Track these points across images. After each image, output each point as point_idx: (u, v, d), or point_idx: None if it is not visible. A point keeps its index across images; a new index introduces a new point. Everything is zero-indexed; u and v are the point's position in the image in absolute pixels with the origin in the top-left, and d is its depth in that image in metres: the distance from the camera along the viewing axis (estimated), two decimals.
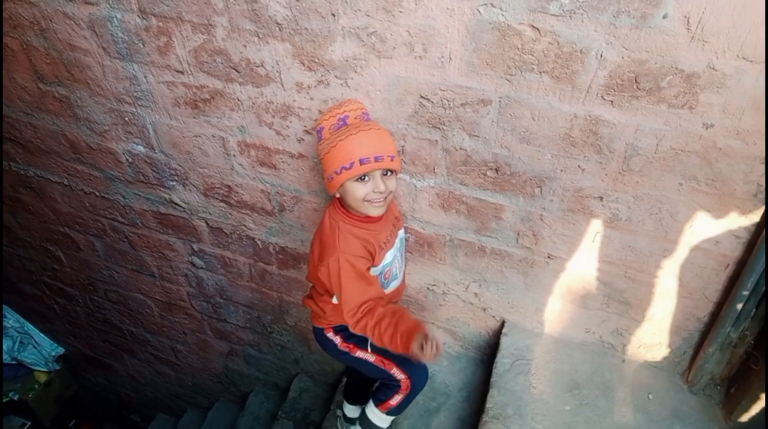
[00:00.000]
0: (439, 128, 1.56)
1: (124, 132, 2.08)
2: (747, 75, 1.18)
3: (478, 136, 1.53)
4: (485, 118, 1.48)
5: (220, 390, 3.61)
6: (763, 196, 1.34)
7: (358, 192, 1.45)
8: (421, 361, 1.47)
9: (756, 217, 1.39)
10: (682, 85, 1.24)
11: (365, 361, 1.76)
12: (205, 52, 1.67)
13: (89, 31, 1.78)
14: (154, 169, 2.17)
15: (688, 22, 1.15)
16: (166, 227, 2.45)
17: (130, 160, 2.18)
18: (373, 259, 1.58)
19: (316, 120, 1.66)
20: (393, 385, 1.78)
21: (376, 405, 1.83)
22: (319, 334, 1.78)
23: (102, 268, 2.96)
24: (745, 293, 1.47)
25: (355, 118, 1.49)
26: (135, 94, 1.91)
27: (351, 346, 1.75)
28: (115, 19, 1.70)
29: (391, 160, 1.45)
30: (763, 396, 1.56)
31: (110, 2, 1.67)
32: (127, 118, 2.01)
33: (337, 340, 1.76)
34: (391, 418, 1.86)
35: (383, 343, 1.52)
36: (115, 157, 2.21)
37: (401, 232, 1.76)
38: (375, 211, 1.50)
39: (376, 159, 1.42)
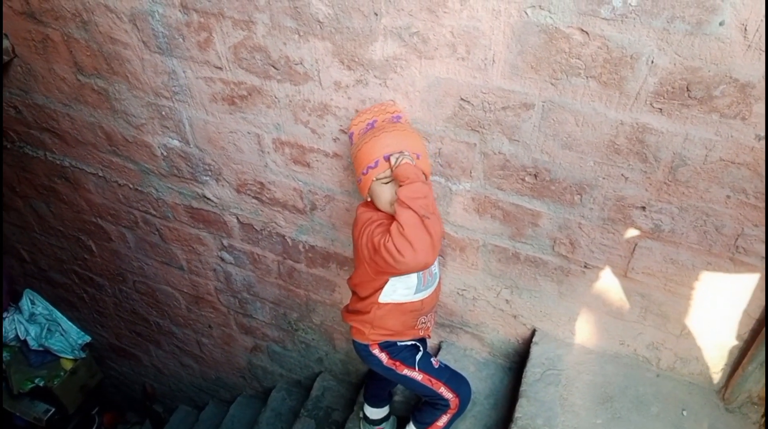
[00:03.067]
0: (478, 131, 1.53)
1: (160, 126, 2.09)
2: None
3: (518, 141, 1.50)
4: (527, 122, 1.45)
5: (242, 385, 3.62)
6: None
7: (384, 194, 1.45)
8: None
9: None
10: (735, 95, 1.20)
11: (412, 379, 1.74)
12: (245, 48, 1.67)
13: (130, 24, 1.79)
14: (189, 163, 2.18)
15: (746, 30, 1.11)
16: (197, 221, 2.46)
17: (165, 153, 2.20)
18: None
19: (350, 122, 1.65)
20: (441, 405, 1.77)
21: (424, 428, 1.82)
22: (363, 349, 1.74)
23: (132, 260, 2.99)
24: None
25: (383, 122, 1.49)
26: (173, 88, 1.91)
27: (397, 363, 1.73)
28: (156, 14, 1.71)
29: (417, 157, 1.43)
30: None
31: None
32: (163, 113, 2.02)
33: (383, 357, 1.72)
34: None
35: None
36: (151, 151, 2.22)
37: None
38: None
39: (401, 154, 1.40)
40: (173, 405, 4.29)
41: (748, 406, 1.72)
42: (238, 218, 2.32)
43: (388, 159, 1.40)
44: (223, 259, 2.61)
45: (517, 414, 1.77)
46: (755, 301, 1.54)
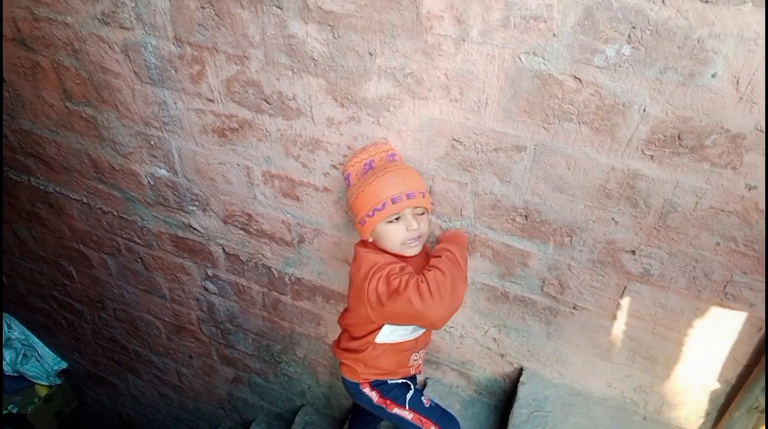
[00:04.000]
0: (469, 171, 1.53)
1: (148, 155, 2.07)
2: None
3: (509, 182, 1.50)
4: (518, 164, 1.45)
5: (222, 416, 3.54)
6: None
7: (392, 235, 1.41)
8: None
9: None
10: (726, 145, 1.21)
11: (402, 419, 1.70)
12: (238, 82, 1.66)
13: (122, 55, 1.78)
14: (176, 193, 2.16)
15: (738, 82, 1.12)
16: (182, 251, 2.43)
17: (152, 182, 2.17)
18: None
19: (342, 164, 1.65)
20: None
21: None
22: (353, 388, 1.70)
23: (113, 287, 2.93)
24: None
25: (380, 161, 1.48)
26: (163, 119, 1.90)
27: (388, 402, 1.69)
28: (149, 45, 1.70)
29: (423, 196, 1.43)
30: None
31: (146, 29, 1.67)
32: (152, 142, 2.01)
33: (374, 395, 1.69)
34: None
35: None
36: (137, 179, 2.19)
37: None
38: (411, 252, 1.46)
39: (408, 196, 1.39)
40: None
41: None
42: (224, 249, 2.29)
43: (395, 201, 1.37)
44: (206, 289, 2.57)
45: None
46: (743, 346, 1.54)
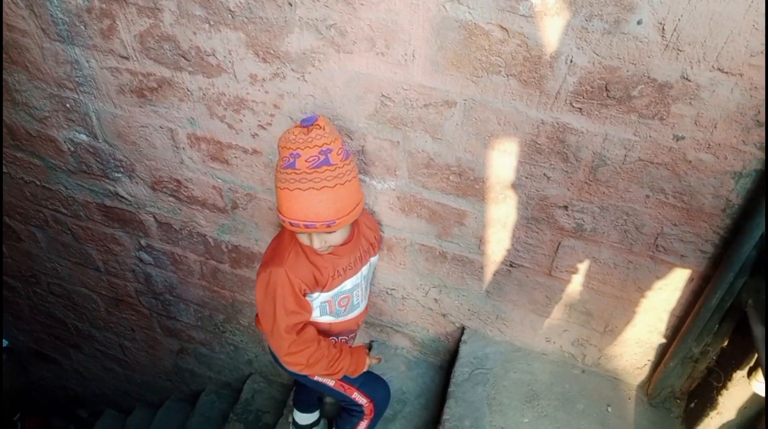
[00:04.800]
0: (400, 129, 1.47)
1: (65, 119, 1.93)
2: (722, 87, 1.12)
3: (441, 139, 1.45)
4: (449, 120, 1.40)
5: (170, 388, 3.48)
6: (732, 210, 1.30)
7: (300, 238, 1.38)
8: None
9: (723, 232, 1.35)
10: (653, 95, 1.19)
11: (324, 385, 1.67)
12: (152, 37, 1.55)
13: (27, 10, 1.63)
14: (98, 159, 2.03)
15: (663, 29, 1.09)
16: (112, 220, 2.31)
17: (72, 148, 2.04)
18: (322, 286, 1.48)
19: (271, 117, 1.57)
20: (356, 412, 1.71)
21: None
22: (275, 357, 1.66)
23: (45, 261, 2.79)
24: (709, 309, 1.44)
25: (307, 160, 1.24)
26: (77, 79, 1.77)
27: None
28: None
29: (327, 226, 1.29)
30: (722, 411, 1.54)
31: None
32: (68, 105, 1.87)
33: None
34: None
35: (318, 371, 1.51)
36: (56, 146, 2.06)
37: (373, 259, 1.65)
38: (324, 252, 1.41)
39: (306, 226, 1.28)
40: (99, 409, 4.09)
41: (671, 400, 1.75)
42: (155, 217, 2.19)
43: (293, 224, 1.29)
44: (141, 260, 2.47)
45: (445, 416, 1.74)
46: (676, 298, 1.55)
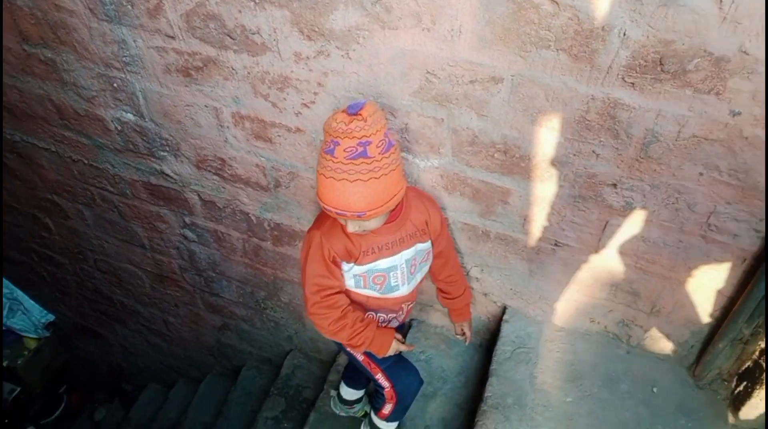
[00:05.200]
0: (445, 106, 1.46)
1: (112, 98, 1.97)
2: None
3: (486, 116, 1.43)
4: (495, 96, 1.38)
5: (212, 363, 3.57)
6: None
7: (338, 221, 1.40)
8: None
9: None
10: (710, 69, 1.15)
11: (353, 356, 1.71)
12: (198, 16, 1.56)
13: None
14: (144, 138, 2.07)
15: (721, 1, 1.05)
16: (157, 198, 2.37)
17: (119, 128, 2.08)
18: (354, 258, 1.49)
19: (314, 95, 1.57)
20: (379, 393, 1.74)
21: (375, 413, 1.80)
22: None
23: (92, 238, 2.88)
24: (762, 290, 1.40)
25: (345, 150, 1.24)
26: (124, 59, 1.80)
27: None
28: None
29: (358, 217, 1.30)
30: None
31: None
32: (115, 84, 1.91)
33: None
34: (394, 424, 1.82)
35: (343, 337, 1.53)
36: (104, 125, 2.10)
37: (422, 245, 1.59)
38: (362, 235, 1.44)
39: (338, 213, 1.31)
40: (142, 383, 4.23)
41: (718, 382, 1.72)
42: (199, 195, 2.23)
43: (328, 209, 1.31)
44: (185, 237, 2.53)
45: (488, 393, 1.74)
46: (727, 278, 1.51)
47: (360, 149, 1.24)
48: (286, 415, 2.77)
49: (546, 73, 1.29)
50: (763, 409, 1.57)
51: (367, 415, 2.10)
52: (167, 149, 2.07)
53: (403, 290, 1.62)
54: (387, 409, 1.77)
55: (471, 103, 1.42)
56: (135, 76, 1.84)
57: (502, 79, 1.34)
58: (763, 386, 1.53)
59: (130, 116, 2.01)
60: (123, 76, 1.86)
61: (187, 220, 2.41)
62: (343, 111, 1.26)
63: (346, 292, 1.57)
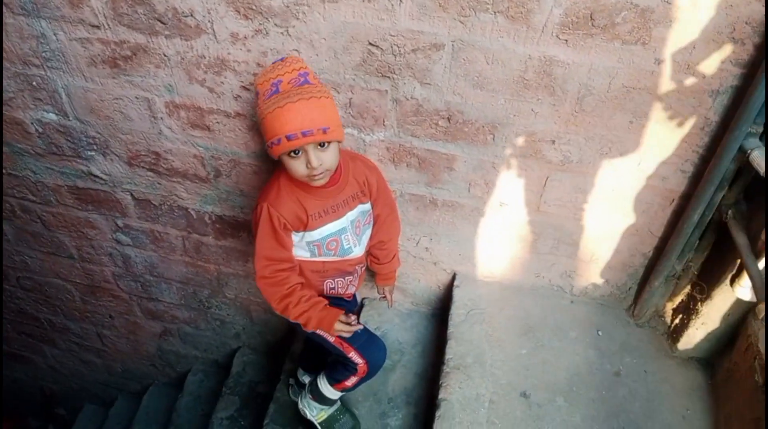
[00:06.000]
0: (388, 77, 1.49)
1: (32, 99, 1.86)
2: (700, 7, 1.19)
3: (429, 84, 1.48)
4: (437, 63, 1.43)
5: (154, 373, 3.44)
6: (710, 128, 1.39)
7: (294, 169, 1.36)
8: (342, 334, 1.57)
9: (702, 150, 1.44)
10: (636, 20, 1.25)
11: (323, 338, 1.70)
12: (125, 2, 1.51)
13: None
14: (69, 138, 1.97)
15: None
16: (85, 203, 2.25)
17: (40, 130, 1.97)
18: (304, 225, 1.50)
19: (254, 79, 1.55)
20: (350, 367, 1.75)
21: (331, 384, 1.79)
22: None
23: (13, 254, 2.70)
24: (691, 225, 1.53)
25: (289, 83, 1.31)
26: (44, 54, 1.70)
27: None
28: None
29: (323, 132, 1.31)
30: (706, 321, 1.65)
31: None
32: (35, 83, 1.80)
33: None
34: (343, 393, 1.84)
35: (289, 315, 1.55)
36: (23, 128, 1.98)
37: (364, 206, 1.62)
38: (316, 183, 1.41)
39: (304, 134, 1.29)
40: (78, 405, 4.00)
41: (656, 319, 1.86)
42: (132, 194, 2.14)
43: (290, 138, 1.29)
44: (119, 242, 2.42)
45: (448, 355, 1.80)
46: (657, 219, 1.65)
47: (302, 79, 1.32)
48: (242, 412, 2.72)
49: (485, 36, 1.35)
50: (699, 339, 1.72)
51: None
52: (95, 148, 1.98)
53: (357, 251, 1.66)
54: (351, 381, 1.78)
55: (414, 72, 1.46)
56: (56, 72, 1.75)
57: (443, 45, 1.39)
58: (698, 317, 1.67)
59: (52, 116, 1.90)
60: (43, 73, 1.76)
61: (119, 222, 2.31)
62: (272, 64, 1.36)
63: (302, 266, 1.59)
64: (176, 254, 2.40)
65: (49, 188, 2.22)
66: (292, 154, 1.34)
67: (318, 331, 1.68)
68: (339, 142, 1.38)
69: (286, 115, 1.28)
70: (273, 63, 1.36)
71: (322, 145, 1.34)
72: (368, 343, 1.75)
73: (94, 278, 2.71)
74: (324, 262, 1.61)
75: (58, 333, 3.28)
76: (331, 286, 1.70)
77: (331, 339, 1.70)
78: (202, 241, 2.27)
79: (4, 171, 2.20)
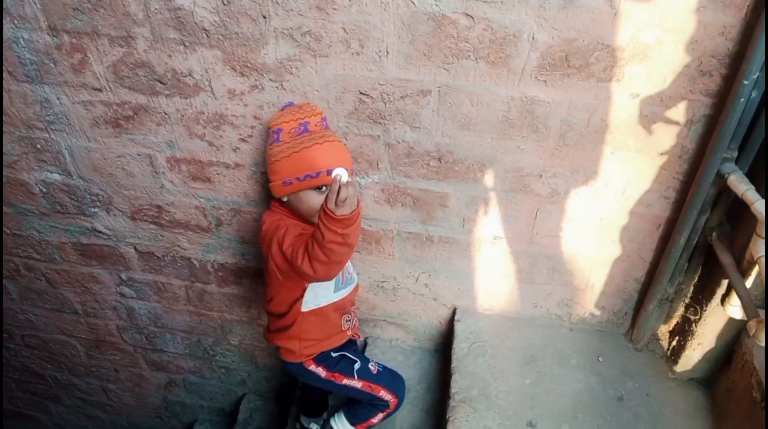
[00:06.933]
0: (380, 123, 1.57)
1: (36, 160, 1.93)
2: (667, 44, 1.28)
3: (419, 127, 1.56)
4: (425, 108, 1.51)
5: (159, 425, 3.41)
6: (688, 155, 1.46)
7: (313, 201, 1.43)
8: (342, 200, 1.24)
9: (682, 176, 1.51)
10: (608, 59, 1.33)
11: (352, 388, 1.73)
12: (126, 66, 1.59)
13: None
14: (73, 196, 2.03)
15: None
16: (89, 258, 2.30)
17: (45, 190, 2.03)
18: None
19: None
20: (380, 405, 1.78)
21: (353, 423, 1.82)
22: (297, 368, 1.70)
23: (17, 313, 2.72)
24: (678, 249, 1.59)
25: (316, 125, 1.45)
26: (47, 118, 1.78)
27: (336, 374, 1.71)
28: (21, 40, 1.58)
29: (351, 172, 1.47)
30: (702, 342, 1.69)
31: (15, 22, 1.54)
32: (39, 145, 1.87)
33: (321, 371, 1.70)
34: None
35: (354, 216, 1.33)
36: (27, 189, 2.04)
37: None
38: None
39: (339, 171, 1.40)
40: None
41: (653, 342, 1.90)
42: (135, 248, 2.19)
43: (330, 172, 1.37)
44: (123, 295, 2.46)
45: (453, 389, 1.83)
46: (646, 245, 1.70)
47: (324, 123, 1.49)
48: None
49: (468, 81, 1.43)
50: (697, 359, 1.76)
51: None
52: (98, 205, 2.04)
53: (355, 279, 1.76)
54: (378, 417, 1.81)
55: (404, 117, 1.54)
56: (60, 134, 1.82)
57: (429, 91, 1.47)
58: (694, 338, 1.72)
59: (56, 176, 1.97)
60: (47, 135, 1.83)
61: (123, 276, 2.35)
62: (288, 107, 1.49)
63: (324, 311, 1.62)
64: (180, 304, 2.43)
65: (53, 246, 2.27)
66: (318, 188, 1.42)
67: (345, 382, 1.72)
68: None
69: (327, 151, 1.40)
70: (286, 107, 1.49)
71: None
72: (393, 378, 1.83)
73: (99, 332, 2.73)
74: (342, 298, 1.67)
75: (63, 389, 3.28)
76: (347, 320, 1.74)
77: (359, 384, 1.74)
78: (206, 290, 2.31)
79: (8, 231, 2.25)
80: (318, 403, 2.16)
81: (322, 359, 1.70)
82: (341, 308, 1.69)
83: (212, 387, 2.94)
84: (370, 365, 1.80)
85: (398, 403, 1.81)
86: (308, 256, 1.31)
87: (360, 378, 1.74)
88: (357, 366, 1.75)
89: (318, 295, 1.59)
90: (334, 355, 1.73)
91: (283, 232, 1.43)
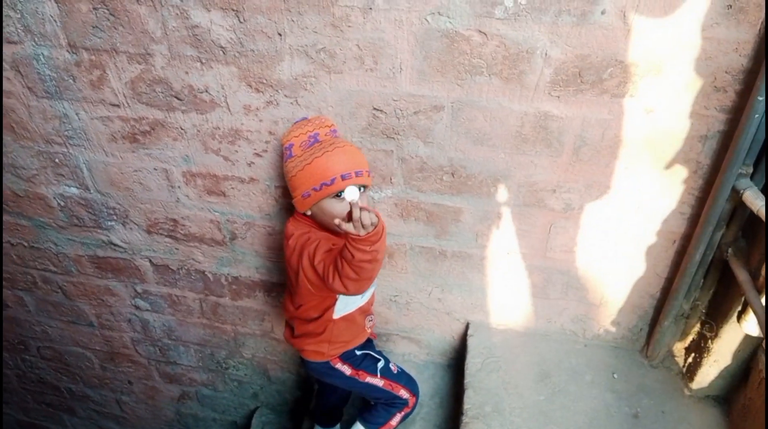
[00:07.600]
0: (393, 138, 1.58)
1: (54, 175, 1.96)
2: (680, 60, 1.28)
3: (432, 142, 1.56)
4: (439, 124, 1.52)
5: None
6: (703, 171, 1.45)
7: (335, 209, 1.40)
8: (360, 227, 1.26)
9: (697, 192, 1.50)
10: (622, 75, 1.33)
11: (374, 386, 1.77)
12: (143, 82, 1.61)
13: (13, 71, 1.68)
14: (90, 210, 2.06)
15: (625, 15, 1.24)
16: (105, 271, 2.32)
17: (62, 203, 2.06)
18: None
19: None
20: (398, 404, 1.80)
21: (377, 425, 1.84)
22: (323, 367, 1.71)
23: (33, 324, 2.75)
24: (694, 265, 1.58)
25: (325, 136, 1.45)
26: (66, 133, 1.81)
27: (360, 372, 1.74)
28: (41, 57, 1.61)
29: (368, 175, 1.44)
30: (718, 359, 1.67)
31: (36, 39, 1.58)
32: (57, 160, 1.90)
33: (346, 369, 1.72)
34: None
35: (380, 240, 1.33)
36: (45, 203, 2.07)
37: None
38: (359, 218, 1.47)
39: (357, 174, 1.39)
40: None
41: (669, 359, 1.88)
42: (151, 261, 2.21)
43: (345, 178, 1.37)
44: (137, 307, 2.48)
45: (466, 405, 1.81)
46: (661, 260, 1.69)
47: (334, 134, 1.48)
48: None
49: (482, 96, 1.44)
50: (713, 376, 1.73)
51: None
52: (115, 218, 2.06)
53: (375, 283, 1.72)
54: (396, 419, 1.83)
55: (417, 132, 1.55)
56: (78, 148, 1.85)
57: (443, 107, 1.48)
58: (710, 354, 1.69)
59: (73, 190, 2.00)
60: (65, 150, 1.87)
61: (138, 288, 2.37)
62: (298, 123, 1.48)
63: (353, 316, 1.65)
64: (194, 317, 2.44)
65: (70, 259, 2.30)
66: (337, 196, 1.39)
67: (368, 380, 1.75)
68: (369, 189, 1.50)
69: (338, 156, 1.38)
70: (298, 122, 1.47)
71: (360, 188, 1.41)
72: (410, 379, 1.87)
73: (114, 345, 2.76)
74: (368, 301, 1.70)
75: (78, 401, 3.30)
76: (369, 320, 1.77)
77: (381, 383, 1.77)
78: (219, 303, 2.33)
79: (26, 244, 2.28)
80: (333, 410, 2.16)
81: (347, 357, 1.73)
82: (366, 310, 1.72)
83: (225, 400, 2.94)
84: (390, 365, 1.83)
85: (416, 402, 1.84)
86: (338, 275, 1.32)
87: (382, 376, 1.77)
88: (381, 365, 1.79)
89: (348, 303, 1.62)
90: (358, 353, 1.76)
91: (314, 246, 1.42)
